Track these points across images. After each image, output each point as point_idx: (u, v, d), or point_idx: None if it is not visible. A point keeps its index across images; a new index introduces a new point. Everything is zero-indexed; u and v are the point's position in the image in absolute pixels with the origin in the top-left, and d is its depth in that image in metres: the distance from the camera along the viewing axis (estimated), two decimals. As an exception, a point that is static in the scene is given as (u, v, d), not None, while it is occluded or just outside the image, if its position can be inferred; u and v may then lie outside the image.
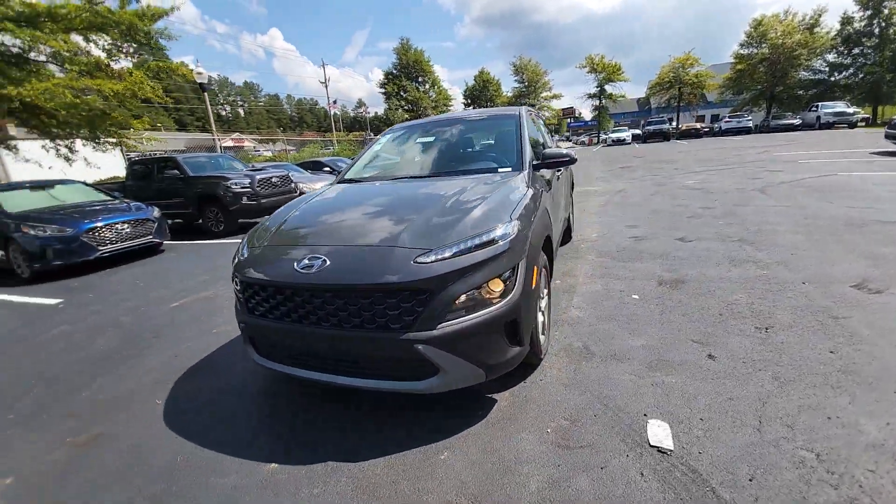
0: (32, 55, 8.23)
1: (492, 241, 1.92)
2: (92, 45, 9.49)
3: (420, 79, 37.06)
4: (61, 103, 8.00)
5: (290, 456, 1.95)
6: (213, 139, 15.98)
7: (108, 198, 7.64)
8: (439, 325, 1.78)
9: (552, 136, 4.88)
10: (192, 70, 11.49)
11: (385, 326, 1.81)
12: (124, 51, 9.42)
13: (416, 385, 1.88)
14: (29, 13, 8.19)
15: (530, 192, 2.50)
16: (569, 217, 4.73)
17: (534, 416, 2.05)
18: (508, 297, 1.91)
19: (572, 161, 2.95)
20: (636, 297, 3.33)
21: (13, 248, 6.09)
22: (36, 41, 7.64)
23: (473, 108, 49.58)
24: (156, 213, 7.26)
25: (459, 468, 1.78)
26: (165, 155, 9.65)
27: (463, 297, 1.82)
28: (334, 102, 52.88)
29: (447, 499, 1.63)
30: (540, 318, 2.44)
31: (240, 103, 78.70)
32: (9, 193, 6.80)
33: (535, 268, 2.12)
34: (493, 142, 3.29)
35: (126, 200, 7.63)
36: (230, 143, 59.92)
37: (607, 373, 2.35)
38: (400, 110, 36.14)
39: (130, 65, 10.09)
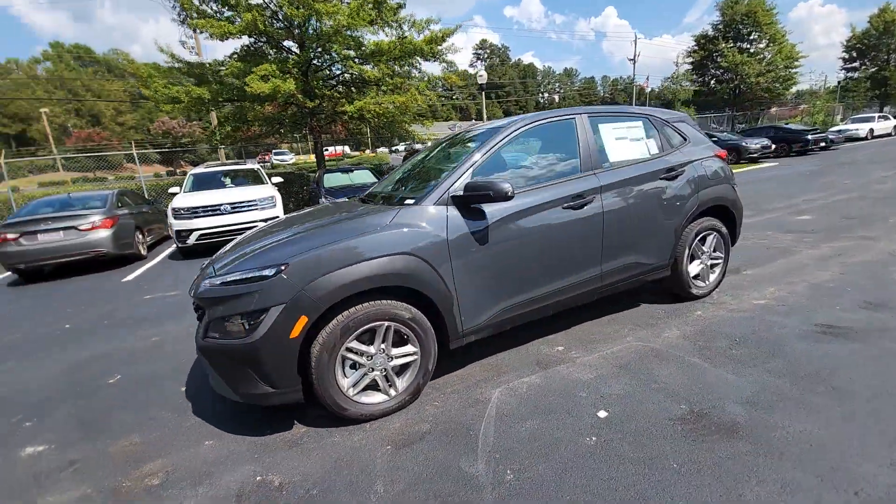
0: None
1: (248, 280, 2.01)
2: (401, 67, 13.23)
3: (753, 36, 26.92)
4: (370, 114, 11.93)
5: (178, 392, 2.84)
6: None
7: (375, 180, 10.90)
8: (205, 338, 2.13)
9: (669, 143, 3.18)
10: (454, 76, 13.84)
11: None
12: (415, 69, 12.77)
13: (210, 378, 2.31)
14: (369, 52, 12.36)
15: (383, 234, 2.18)
16: (670, 262, 3.14)
17: (275, 459, 2.03)
18: (247, 337, 1.97)
19: (498, 197, 2.18)
20: (603, 414, 2.11)
21: (320, 209, 10.01)
22: (364, 72, 11.59)
23: (860, 65, 32.52)
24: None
25: (197, 458, 2.12)
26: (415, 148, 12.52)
27: (221, 322, 2.06)
28: (647, 79, 48.09)
29: (149, 472, 2.05)
30: (352, 375, 2.20)
31: (556, 90, 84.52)
32: (330, 175, 10.98)
33: (303, 318, 1.97)
34: (449, 163, 2.77)
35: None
36: (538, 129, 66.52)
37: (389, 473, 1.88)
38: (714, 82, 28.19)
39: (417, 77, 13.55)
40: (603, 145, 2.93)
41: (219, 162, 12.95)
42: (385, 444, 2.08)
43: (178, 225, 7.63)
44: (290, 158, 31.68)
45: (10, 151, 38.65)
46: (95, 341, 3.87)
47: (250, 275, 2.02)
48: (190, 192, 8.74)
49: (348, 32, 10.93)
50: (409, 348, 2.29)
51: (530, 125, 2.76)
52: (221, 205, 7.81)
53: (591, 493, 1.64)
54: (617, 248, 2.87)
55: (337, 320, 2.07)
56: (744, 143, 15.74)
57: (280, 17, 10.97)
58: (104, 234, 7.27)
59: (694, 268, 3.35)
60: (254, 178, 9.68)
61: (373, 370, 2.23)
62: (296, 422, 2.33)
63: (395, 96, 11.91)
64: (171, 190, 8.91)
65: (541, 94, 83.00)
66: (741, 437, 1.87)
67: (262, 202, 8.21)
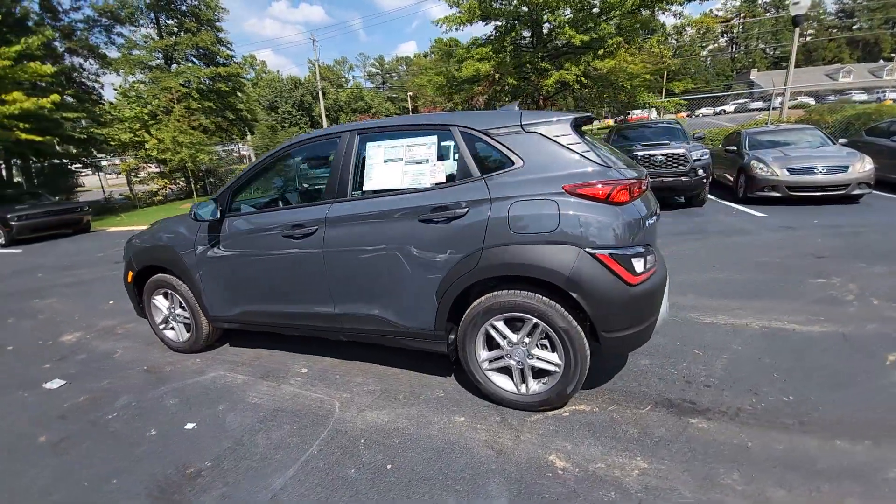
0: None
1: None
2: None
3: None
4: (575, 83, 10.72)
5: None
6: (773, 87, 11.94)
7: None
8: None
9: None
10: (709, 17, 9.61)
11: None
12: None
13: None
14: (601, 9, 10.93)
15: (169, 229, 3.10)
16: (437, 334, 2.25)
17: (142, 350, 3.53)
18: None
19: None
20: (154, 432, 2.32)
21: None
22: (572, 38, 10.37)
23: None
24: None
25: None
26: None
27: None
28: None
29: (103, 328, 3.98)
30: (161, 315, 3.31)
31: None
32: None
33: (130, 272, 3.23)
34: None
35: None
36: None
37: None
38: None
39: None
40: (362, 169, 2.42)
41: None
42: (142, 366, 3.15)
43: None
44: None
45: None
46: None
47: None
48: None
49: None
50: (187, 313, 3.16)
51: (294, 146, 2.70)
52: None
53: None
54: (348, 294, 2.45)
55: (130, 273, 3.23)
56: None
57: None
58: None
59: (492, 359, 2.20)
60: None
61: (174, 319, 3.26)
62: (172, 334, 3.73)
63: (607, 61, 10.19)
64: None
65: None
66: None
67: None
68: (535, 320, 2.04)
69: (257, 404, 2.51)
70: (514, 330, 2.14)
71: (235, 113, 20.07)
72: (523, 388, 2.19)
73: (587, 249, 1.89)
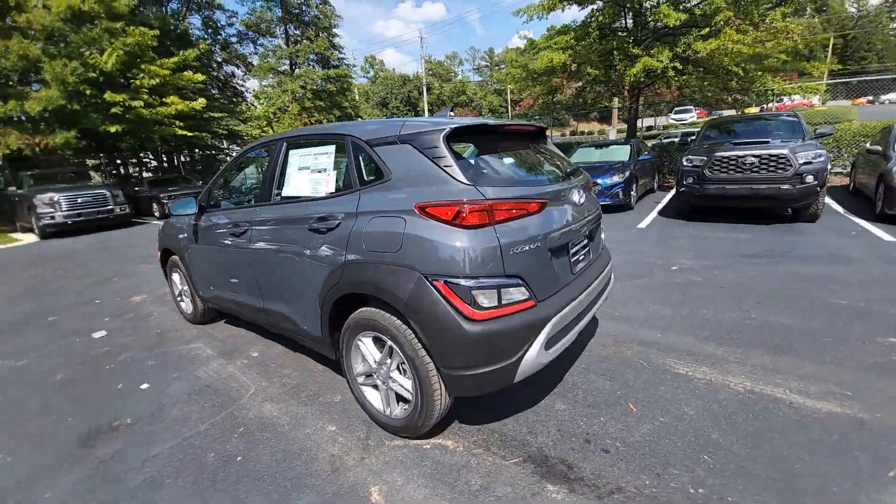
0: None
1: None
2: None
3: None
4: (671, 71, 9.21)
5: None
6: None
7: (625, 159, 8.96)
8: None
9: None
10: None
11: None
12: None
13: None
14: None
15: (175, 221, 3.64)
16: (325, 341, 2.27)
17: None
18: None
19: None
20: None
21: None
22: (667, 18, 8.85)
23: None
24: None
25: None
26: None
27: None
28: None
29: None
30: (178, 288, 3.96)
31: None
32: (581, 150, 10.02)
33: (159, 252, 3.93)
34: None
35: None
36: None
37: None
38: None
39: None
40: (284, 175, 2.54)
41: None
42: (158, 329, 3.82)
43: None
44: (690, 117, 27.60)
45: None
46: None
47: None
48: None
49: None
50: (189, 290, 3.73)
51: (249, 151, 2.95)
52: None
53: None
54: (270, 292, 2.62)
55: (168, 259, 3.90)
56: None
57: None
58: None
59: (366, 374, 2.15)
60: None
61: (183, 294, 3.89)
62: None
63: (710, 41, 8.55)
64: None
65: None
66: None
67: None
68: (389, 342, 1.94)
69: (199, 378, 2.87)
70: (380, 350, 2.06)
71: (342, 110, 22.28)
72: (388, 410, 2.10)
73: (426, 275, 1.72)
